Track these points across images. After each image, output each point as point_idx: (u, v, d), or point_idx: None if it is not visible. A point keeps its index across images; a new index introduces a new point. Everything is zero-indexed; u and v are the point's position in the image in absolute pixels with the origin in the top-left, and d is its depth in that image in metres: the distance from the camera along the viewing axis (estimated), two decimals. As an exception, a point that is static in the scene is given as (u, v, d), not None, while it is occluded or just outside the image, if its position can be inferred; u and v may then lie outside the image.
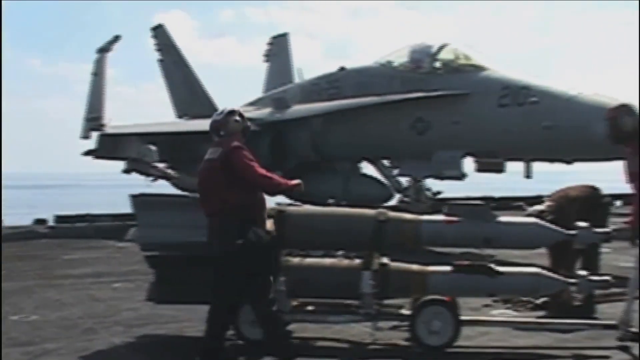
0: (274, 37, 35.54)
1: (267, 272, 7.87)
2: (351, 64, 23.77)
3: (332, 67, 24.66)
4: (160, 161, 24.39)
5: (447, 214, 9.13)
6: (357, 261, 8.88)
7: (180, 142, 26.13)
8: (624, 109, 9.21)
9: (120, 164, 26.82)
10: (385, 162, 24.05)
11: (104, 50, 24.97)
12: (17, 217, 27.59)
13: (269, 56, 35.13)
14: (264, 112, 26.29)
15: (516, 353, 8.66)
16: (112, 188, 62.28)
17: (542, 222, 9.25)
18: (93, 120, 24.71)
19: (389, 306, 9.01)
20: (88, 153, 26.90)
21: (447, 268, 8.87)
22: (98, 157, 26.96)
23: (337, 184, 23.38)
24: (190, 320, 9.92)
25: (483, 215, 9.01)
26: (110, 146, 25.63)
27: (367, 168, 24.89)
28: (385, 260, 8.83)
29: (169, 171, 24.57)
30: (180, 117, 33.11)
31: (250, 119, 25.18)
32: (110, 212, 26.82)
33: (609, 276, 9.14)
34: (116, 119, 25.45)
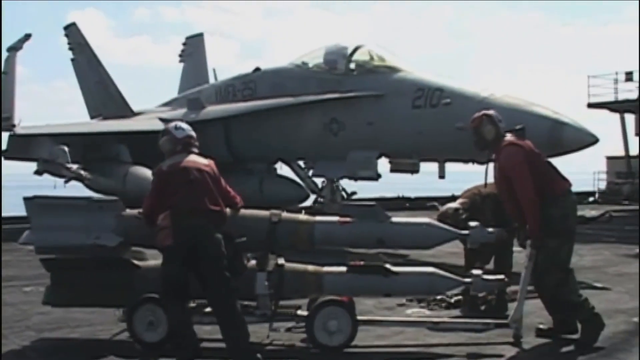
0: (189, 37, 35.45)
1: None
2: (266, 64, 23.86)
3: (247, 68, 24.70)
4: (73, 162, 24.03)
5: (340, 215, 9.25)
6: (253, 262, 8.84)
7: (93, 143, 25.85)
8: (487, 117, 9.56)
9: (32, 165, 26.40)
10: (301, 163, 24.12)
11: (14, 48, 24.53)
12: None
13: (183, 56, 35.00)
14: (178, 112, 26.13)
15: (428, 352, 8.70)
16: (24, 189, 61.12)
17: (435, 222, 9.40)
18: (4, 120, 24.25)
19: (287, 307, 9.03)
20: (-3, 154, 26.44)
21: (343, 269, 8.91)
22: (8, 158, 26.50)
23: (252, 185, 23.36)
24: (102, 323, 9.78)
25: (376, 216, 9.10)
26: (22, 147, 25.17)
27: (283, 169, 24.97)
28: (281, 261, 8.80)
29: (82, 172, 24.23)
30: (93, 117, 32.73)
31: (164, 120, 25.11)
32: (21, 215, 26.35)
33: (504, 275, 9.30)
34: (28, 119, 25.14)
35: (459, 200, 10.90)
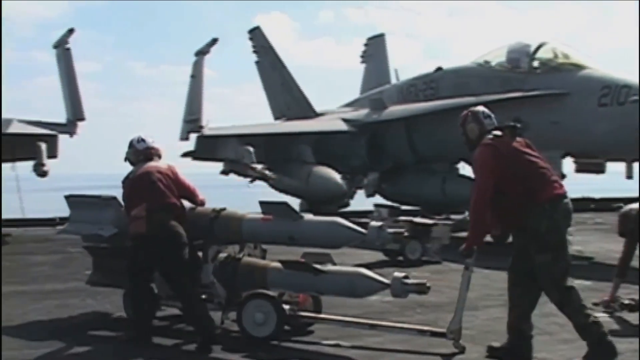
0: (371, 38, 35.54)
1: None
2: (449, 64, 23.70)
3: (430, 68, 24.63)
4: (258, 162, 24.57)
5: (263, 212, 9.63)
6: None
7: (278, 144, 26.36)
8: (471, 114, 8.91)
9: (219, 165, 27.14)
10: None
11: (202, 52, 25.23)
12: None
13: (365, 57, 35.15)
14: (360, 113, 26.41)
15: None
16: (210, 189, 63.03)
17: (342, 221, 9.17)
18: (192, 122, 25.01)
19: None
20: (187, 154, 27.32)
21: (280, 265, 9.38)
22: (196, 158, 27.36)
23: (434, 185, 23.31)
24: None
25: (289, 215, 9.34)
26: (209, 148, 25.95)
27: (464, 169, 24.74)
28: (240, 254, 9.80)
29: (267, 172, 24.74)
30: (277, 118, 33.37)
31: (347, 120, 25.37)
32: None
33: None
34: (215, 121, 25.79)
35: None
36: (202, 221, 9.83)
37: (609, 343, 7.71)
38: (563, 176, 19.05)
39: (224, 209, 9.96)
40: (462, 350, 8.33)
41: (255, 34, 34.07)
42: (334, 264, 9.25)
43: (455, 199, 22.11)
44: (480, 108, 9.11)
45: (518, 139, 8.60)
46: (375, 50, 34.65)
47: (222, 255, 9.88)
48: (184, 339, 9.27)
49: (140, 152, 9.91)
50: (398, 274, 8.70)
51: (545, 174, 8.32)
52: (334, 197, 23.99)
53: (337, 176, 23.62)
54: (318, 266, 9.00)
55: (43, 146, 22.57)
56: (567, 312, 7.93)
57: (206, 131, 24.89)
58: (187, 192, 9.98)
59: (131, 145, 10.04)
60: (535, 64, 20.09)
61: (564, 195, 8.19)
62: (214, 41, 25.19)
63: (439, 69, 23.58)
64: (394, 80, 31.06)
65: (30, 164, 22.43)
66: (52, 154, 23.49)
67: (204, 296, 9.70)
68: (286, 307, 9.22)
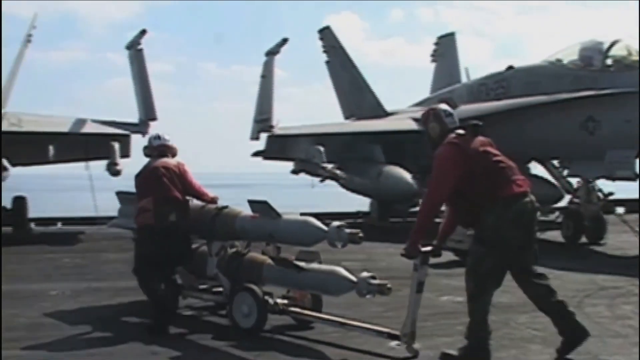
0: (441, 37, 35.30)
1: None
2: (520, 62, 23.50)
3: (500, 66, 24.44)
4: (328, 162, 24.65)
5: (253, 210, 10.17)
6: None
7: (348, 143, 26.40)
8: (433, 113, 8.63)
9: (289, 165, 27.28)
10: (555, 162, 23.60)
11: (272, 53, 25.39)
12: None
13: (435, 56, 34.97)
14: (431, 112, 26.27)
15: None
16: (281, 188, 63.30)
17: (311, 221, 9.49)
18: (262, 121, 25.19)
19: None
20: (257, 154, 27.51)
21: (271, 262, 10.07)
22: (267, 158, 27.55)
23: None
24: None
25: (270, 213, 9.82)
26: (279, 147, 26.14)
27: (536, 168, 24.49)
28: (245, 250, 10.59)
29: (337, 171, 24.81)
30: (347, 117, 33.37)
31: (417, 120, 25.37)
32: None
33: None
34: (285, 120, 25.92)
35: None
36: (206, 218, 10.62)
37: (487, 352, 7.92)
38: (637, 176, 18.81)
39: (225, 207, 10.71)
40: (415, 355, 8.34)
41: (325, 33, 34.11)
42: (320, 262, 9.55)
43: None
44: (442, 106, 8.81)
45: (481, 138, 8.46)
46: (445, 49, 34.42)
47: (231, 250, 10.67)
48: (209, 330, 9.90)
49: (154, 149, 10.92)
50: (365, 274, 8.88)
51: (506, 173, 8.20)
52: (405, 196, 23.91)
53: (407, 175, 23.54)
54: (301, 264, 9.50)
55: (116, 146, 22.98)
56: (469, 309, 8.02)
57: (277, 131, 25.06)
58: (193, 189, 10.80)
59: (149, 141, 11.13)
60: (609, 61, 19.80)
61: (522, 194, 8.06)
62: (284, 41, 25.34)
63: (510, 67, 23.39)
64: (464, 79, 30.85)
65: (103, 163, 22.85)
66: (125, 154, 23.88)
67: (205, 286, 11.04)
68: (281, 301, 9.84)
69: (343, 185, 26.53)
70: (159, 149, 10.89)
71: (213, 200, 10.92)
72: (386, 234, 20.84)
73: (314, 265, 9.47)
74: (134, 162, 25.27)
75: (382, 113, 30.80)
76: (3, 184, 23.59)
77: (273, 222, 9.78)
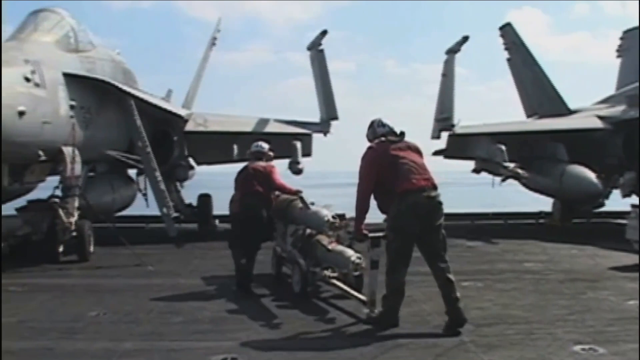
0: (626, 31, 34.17)
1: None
2: None
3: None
4: (510, 161, 24.35)
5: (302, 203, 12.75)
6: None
7: (530, 142, 25.99)
8: (370, 123, 10.48)
9: (469, 164, 27.10)
10: None
11: (452, 51, 25.29)
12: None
13: (621, 51, 33.90)
14: (616, 110, 25.49)
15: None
16: (459, 187, 63.11)
17: (322, 211, 12.06)
18: (443, 120, 25.15)
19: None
20: (437, 153, 27.43)
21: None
22: (447, 156, 27.43)
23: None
24: (539, 322, 9.87)
25: (305, 204, 12.60)
26: (460, 146, 26.03)
27: None
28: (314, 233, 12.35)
29: (519, 171, 24.44)
30: (529, 116, 32.83)
31: (602, 118, 24.63)
32: (457, 212, 27.23)
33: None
34: (466, 119, 25.75)
35: None
36: (282, 206, 13.22)
37: (395, 315, 9.82)
38: None
39: (295, 199, 12.92)
40: (375, 320, 9.94)
41: (506, 30, 33.64)
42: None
43: None
44: (377, 118, 10.48)
45: (403, 143, 10.09)
46: (631, 44, 33.24)
47: (307, 232, 12.59)
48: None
49: (252, 153, 13.87)
50: (354, 256, 10.79)
51: (406, 171, 9.71)
52: (589, 196, 23.28)
53: (591, 175, 22.88)
54: (330, 246, 11.52)
55: (298, 145, 23.43)
56: (385, 282, 9.79)
57: (458, 129, 24.94)
58: (276, 186, 13.24)
59: (250, 147, 14.02)
60: None
61: (419, 189, 9.62)
62: (465, 39, 25.17)
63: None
64: (652, 76, 29.82)
65: (285, 161, 23.29)
66: (307, 152, 24.30)
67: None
68: (326, 273, 12.13)
69: (525, 185, 26.13)
70: (255, 153, 13.78)
71: (296, 193, 12.96)
72: (569, 235, 20.37)
73: (338, 247, 11.42)
74: (315, 161, 25.70)
75: (565, 111, 30.12)
76: (189, 181, 24.59)
77: (304, 212, 12.48)
